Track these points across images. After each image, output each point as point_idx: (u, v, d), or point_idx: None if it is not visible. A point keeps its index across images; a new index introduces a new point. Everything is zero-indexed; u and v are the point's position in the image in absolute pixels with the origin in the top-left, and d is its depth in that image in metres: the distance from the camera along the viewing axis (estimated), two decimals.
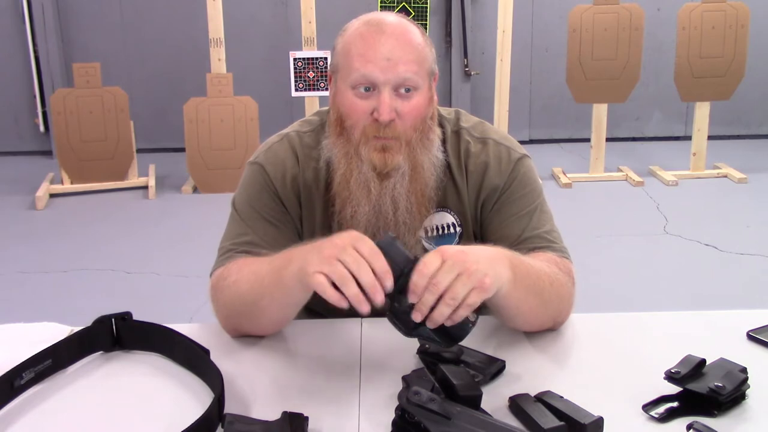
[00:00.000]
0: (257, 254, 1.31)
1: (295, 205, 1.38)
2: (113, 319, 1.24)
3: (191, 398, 1.11)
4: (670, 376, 1.06)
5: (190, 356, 1.17)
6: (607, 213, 4.31)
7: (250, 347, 1.26)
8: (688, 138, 5.05)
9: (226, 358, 1.20)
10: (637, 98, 5.32)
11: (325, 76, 4.61)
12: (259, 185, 1.38)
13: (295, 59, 4.64)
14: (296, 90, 4.68)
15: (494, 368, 1.14)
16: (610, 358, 1.21)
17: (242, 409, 1.06)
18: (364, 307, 1.03)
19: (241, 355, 1.23)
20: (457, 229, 1.40)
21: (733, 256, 3.61)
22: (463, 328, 1.06)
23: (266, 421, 1.00)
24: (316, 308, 1.47)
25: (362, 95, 1.26)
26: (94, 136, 4.66)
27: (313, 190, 1.38)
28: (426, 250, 1.37)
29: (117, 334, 1.24)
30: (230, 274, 1.28)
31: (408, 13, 4.66)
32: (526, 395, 1.05)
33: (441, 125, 1.40)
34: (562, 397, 1.05)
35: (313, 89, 4.67)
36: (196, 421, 0.98)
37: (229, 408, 1.05)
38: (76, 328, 1.25)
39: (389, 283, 1.03)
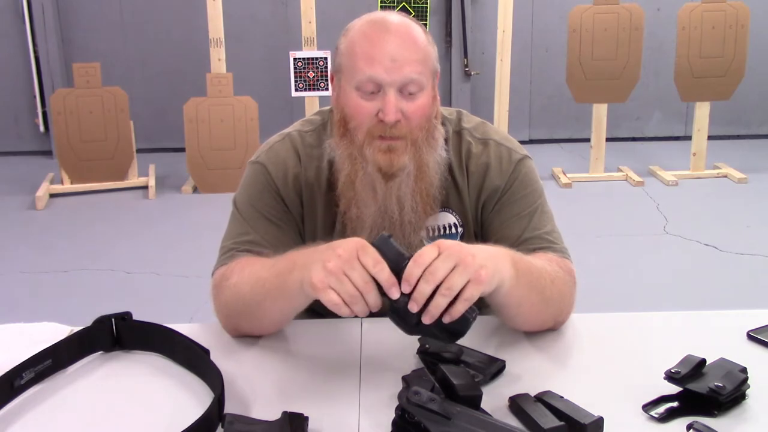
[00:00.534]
0: (259, 253, 1.31)
1: (297, 205, 1.38)
2: (113, 319, 1.24)
3: (191, 398, 1.11)
4: (670, 376, 1.06)
5: (190, 356, 1.17)
6: (607, 213, 4.31)
7: (250, 347, 1.26)
8: (688, 138, 5.05)
9: (226, 358, 1.20)
10: (637, 98, 5.32)
11: (325, 76, 4.62)
12: (261, 184, 1.38)
13: (295, 59, 4.64)
14: (296, 90, 4.68)
15: (494, 368, 1.14)
16: (610, 358, 1.21)
17: (242, 409, 1.06)
18: (364, 314, 1.06)
19: (241, 355, 1.23)
20: (459, 229, 1.40)
21: (733, 256, 3.61)
22: (463, 323, 1.05)
23: (266, 421, 1.00)
24: (317, 308, 1.47)
25: (367, 96, 1.26)
26: (94, 136, 4.66)
27: (315, 189, 1.38)
28: None
29: (117, 334, 1.24)
30: (232, 275, 1.28)
31: (408, 13, 4.65)
32: (526, 395, 1.05)
33: (442, 125, 1.40)
34: (562, 397, 1.05)
35: (313, 89, 4.67)
36: (196, 421, 0.98)
37: (229, 408, 1.05)
38: (76, 328, 1.25)
39: (395, 293, 1.03)
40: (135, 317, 1.25)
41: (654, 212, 4.28)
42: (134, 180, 4.82)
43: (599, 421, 0.99)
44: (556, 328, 1.29)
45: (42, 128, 5.58)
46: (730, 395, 1.04)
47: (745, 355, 1.15)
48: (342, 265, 1.04)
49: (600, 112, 4.81)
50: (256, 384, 1.14)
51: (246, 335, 1.29)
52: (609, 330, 1.31)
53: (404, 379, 1.11)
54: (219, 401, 1.03)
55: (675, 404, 1.05)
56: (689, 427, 0.98)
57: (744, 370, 1.08)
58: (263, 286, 1.19)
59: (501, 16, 4.66)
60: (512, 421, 1.02)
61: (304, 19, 4.65)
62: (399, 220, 1.32)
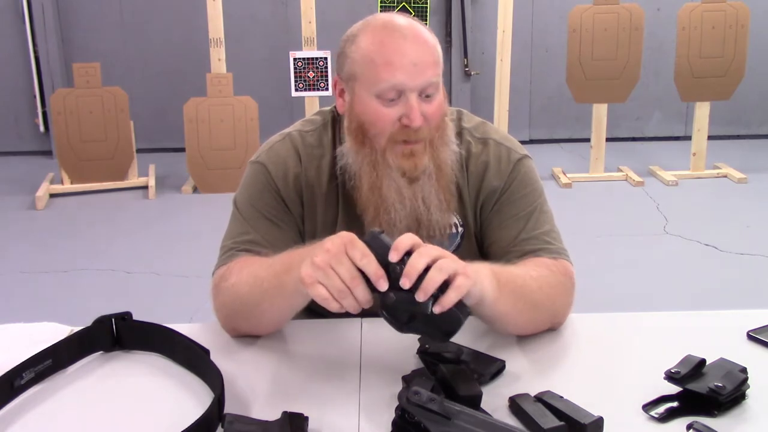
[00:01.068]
0: (258, 253, 1.31)
1: (297, 205, 1.38)
2: (113, 319, 1.24)
3: (191, 398, 1.11)
4: (670, 376, 1.06)
5: (190, 356, 1.18)
6: (607, 213, 4.31)
7: (250, 347, 1.26)
8: (688, 138, 5.05)
9: (226, 358, 1.20)
10: (637, 98, 5.32)
11: (325, 76, 4.62)
12: (261, 184, 1.38)
13: (295, 59, 4.64)
14: (296, 90, 4.68)
15: (494, 368, 1.14)
16: (610, 358, 1.21)
17: (242, 409, 1.06)
18: (356, 311, 1.05)
19: (241, 355, 1.23)
20: (459, 229, 1.40)
21: (733, 256, 3.61)
22: (455, 320, 1.04)
23: (266, 421, 1.00)
24: (317, 308, 1.46)
25: (388, 103, 1.26)
26: (94, 136, 4.65)
27: (315, 189, 1.38)
28: None
29: (117, 334, 1.24)
30: (230, 275, 1.28)
31: (408, 13, 4.66)
32: (526, 395, 1.05)
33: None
34: (562, 397, 1.05)
35: (313, 89, 4.67)
36: (196, 421, 0.98)
37: (229, 408, 1.05)
38: (76, 328, 1.25)
39: (383, 285, 1.03)
40: (135, 317, 1.25)
41: (654, 212, 4.28)
42: (134, 180, 4.82)
43: (599, 421, 1.00)
44: (555, 328, 1.29)
45: (42, 128, 5.58)
46: (730, 395, 1.04)
47: (745, 355, 1.15)
48: (329, 260, 1.04)
49: (600, 112, 4.81)
50: (256, 384, 1.14)
51: (245, 335, 1.29)
52: (609, 330, 1.31)
53: (404, 379, 1.11)
54: (219, 401, 1.03)
55: (675, 404, 1.05)
56: (689, 427, 0.98)
57: (744, 370, 1.08)
58: (261, 286, 1.19)
59: (501, 16, 4.66)
60: (512, 421, 1.02)
61: (304, 19, 4.65)
62: (427, 220, 1.32)
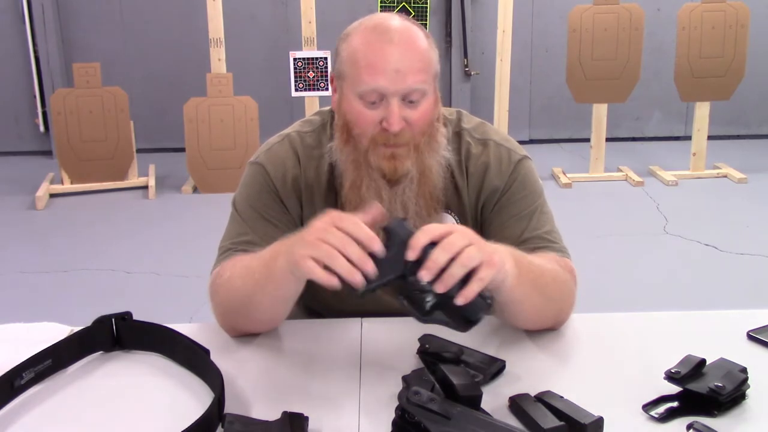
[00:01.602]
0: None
1: (296, 205, 1.38)
2: (113, 319, 1.24)
3: (191, 398, 1.11)
4: (670, 376, 1.06)
5: (190, 356, 1.18)
6: (607, 213, 4.31)
7: (250, 347, 1.26)
8: (688, 138, 5.05)
9: (226, 358, 1.20)
10: (637, 98, 5.31)
11: (325, 76, 4.62)
12: (260, 185, 1.38)
13: (295, 59, 4.64)
14: (296, 90, 4.68)
15: (494, 368, 1.14)
16: (610, 358, 1.21)
17: (242, 409, 1.06)
18: (357, 278, 1.02)
19: (241, 355, 1.23)
20: None
21: (733, 256, 3.61)
22: (477, 309, 1.03)
23: (266, 421, 1.00)
24: (316, 308, 1.47)
25: (370, 105, 1.26)
26: (94, 136, 4.66)
27: (314, 189, 1.38)
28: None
29: (117, 334, 1.24)
30: (225, 272, 1.29)
31: (408, 13, 4.66)
32: (526, 395, 1.05)
33: (443, 125, 1.40)
34: (562, 397, 1.05)
35: (313, 89, 4.67)
36: (196, 421, 0.98)
37: (229, 408, 1.05)
38: (76, 328, 1.25)
39: (377, 246, 1.03)
40: (135, 317, 1.25)
41: (654, 212, 4.28)
42: (134, 180, 4.82)
43: (599, 421, 1.00)
44: (557, 327, 1.29)
45: (42, 128, 5.58)
46: (730, 395, 1.04)
47: (745, 355, 1.15)
48: (320, 234, 1.04)
49: (600, 112, 4.81)
50: (256, 384, 1.14)
51: (244, 333, 1.29)
52: (609, 330, 1.31)
53: (404, 379, 1.11)
54: (219, 401, 1.03)
55: (675, 404, 1.05)
56: (689, 427, 0.98)
57: (744, 370, 1.08)
58: (253, 277, 1.20)
59: (501, 16, 4.66)
60: (512, 421, 1.02)
61: (304, 19, 4.65)
62: None
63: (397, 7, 4.71)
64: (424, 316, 1.04)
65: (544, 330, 1.29)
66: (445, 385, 1.01)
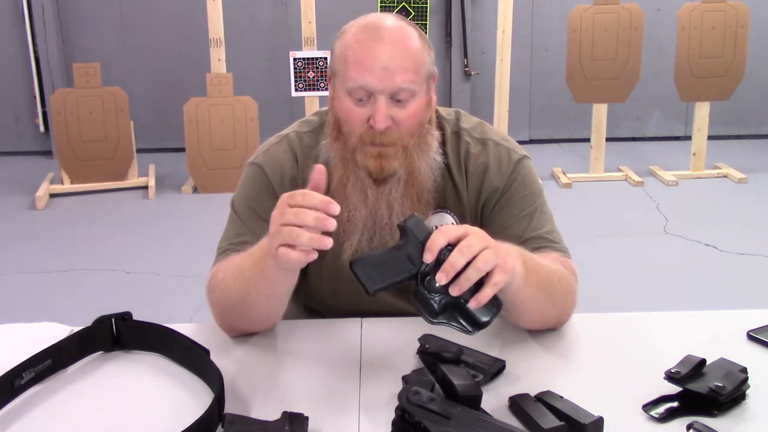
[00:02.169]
0: None
1: None
2: (113, 319, 1.24)
3: (191, 398, 1.11)
4: (670, 376, 1.06)
5: (190, 356, 1.18)
6: (607, 213, 4.31)
7: (250, 347, 1.26)
8: (688, 138, 5.05)
9: (226, 358, 1.20)
10: (637, 98, 5.32)
11: (326, 76, 4.62)
12: (258, 186, 1.38)
13: (295, 59, 4.64)
14: (296, 90, 4.68)
15: (494, 368, 1.14)
16: (610, 358, 1.21)
17: (242, 409, 1.06)
18: (326, 242, 1.03)
19: (241, 355, 1.23)
20: None
21: (733, 256, 3.61)
22: (487, 312, 1.04)
23: (266, 421, 1.00)
24: (316, 308, 1.47)
25: (358, 102, 1.26)
26: (94, 136, 4.65)
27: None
28: None
29: (117, 334, 1.24)
30: (219, 273, 1.29)
31: (408, 13, 4.66)
32: (526, 395, 1.05)
33: (440, 126, 1.39)
34: (562, 397, 1.05)
35: (313, 89, 4.67)
36: (196, 421, 0.98)
37: (229, 408, 1.05)
38: (76, 328, 1.25)
39: (333, 207, 1.03)
40: (135, 317, 1.25)
41: (654, 212, 4.27)
42: (134, 180, 4.82)
43: (599, 421, 1.00)
44: (558, 327, 1.29)
45: (42, 128, 5.58)
46: (730, 395, 1.04)
47: (745, 355, 1.15)
48: (277, 221, 1.05)
49: (600, 112, 4.81)
50: (256, 384, 1.14)
51: (243, 333, 1.29)
52: (609, 330, 1.31)
53: (404, 379, 1.11)
54: (219, 401, 1.03)
55: (675, 404, 1.05)
56: (689, 427, 0.98)
57: (744, 370, 1.08)
58: (245, 278, 1.20)
59: (501, 16, 4.66)
60: (512, 421, 1.02)
61: (304, 19, 4.65)
62: (389, 224, 1.32)
63: (397, 7, 4.70)
64: (434, 317, 1.04)
65: (545, 330, 1.29)
66: (445, 385, 1.01)
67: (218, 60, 4.69)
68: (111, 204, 4.58)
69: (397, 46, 1.24)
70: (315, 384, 1.14)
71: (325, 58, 4.63)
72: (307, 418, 1.00)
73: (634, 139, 5.77)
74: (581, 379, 1.15)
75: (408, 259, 1.05)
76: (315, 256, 1.05)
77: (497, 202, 1.38)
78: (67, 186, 4.72)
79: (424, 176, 1.32)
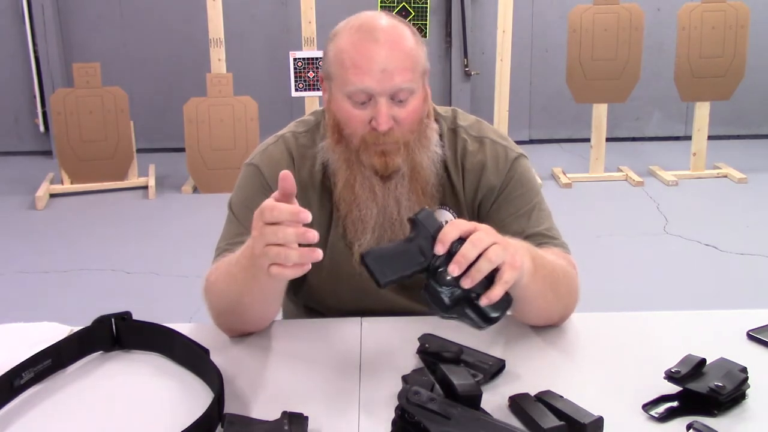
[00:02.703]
0: None
1: None
2: (113, 319, 1.24)
3: (191, 398, 1.11)
4: (670, 376, 1.06)
5: (190, 356, 1.18)
6: (607, 213, 4.31)
7: (250, 347, 1.26)
8: (688, 138, 5.05)
9: (226, 358, 1.20)
10: (637, 98, 5.31)
11: None
12: (255, 186, 1.39)
13: (295, 59, 4.64)
14: (296, 90, 4.68)
15: (494, 368, 1.14)
16: (610, 358, 1.21)
17: (242, 409, 1.06)
18: (317, 255, 1.04)
19: (241, 355, 1.23)
20: None
21: (733, 256, 3.61)
22: (498, 306, 1.04)
23: (266, 421, 1.00)
24: (316, 308, 1.47)
25: (359, 105, 1.27)
26: (94, 136, 4.65)
27: (309, 189, 1.38)
28: None
29: (117, 334, 1.24)
30: (212, 275, 1.29)
31: (408, 13, 4.66)
32: (526, 395, 1.05)
33: (437, 123, 1.40)
34: (562, 396, 1.05)
35: (313, 89, 4.67)
36: (196, 421, 0.98)
37: (229, 408, 1.05)
38: (76, 328, 1.25)
39: (304, 215, 1.03)
40: (135, 317, 1.25)
41: (654, 212, 4.27)
42: (134, 180, 4.82)
43: (599, 421, 1.00)
44: (560, 323, 1.30)
45: (42, 128, 5.58)
46: (730, 395, 1.04)
47: (745, 354, 1.15)
48: (258, 242, 1.05)
49: (600, 112, 4.81)
50: (256, 384, 1.14)
51: (240, 333, 1.29)
52: (609, 330, 1.31)
53: (404, 378, 1.11)
54: (218, 401, 1.03)
55: (675, 404, 1.05)
56: (689, 426, 0.98)
57: (744, 369, 1.08)
58: (236, 281, 1.20)
59: (501, 16, 4.66)
60: (512, 421, 1.02)
61: (304, 19, 4.65)
62: (398, 218, 1.33)
63: (397, 7, 4.70)
64: (446, 311, 1.04)
65: (545, 328, 1.29)
66: (445, 385, 1.01)
67: (218, 60, 4.69)
68: (111, 204, 4.58)
69: (393, 47, 1.25)
70: (315, 384, 1.14)
71: None
72: (307, 418, 1.00)
73: (634, 139, 5.77)
74: (581, 379, 1.15)
75: (419, 251, 1.05)
76: (309, 267, 1.05)
77: (495, 201, 1.38)
78: (67, 186, 4.72)
79: (426, 170, 1.33)
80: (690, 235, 3.87)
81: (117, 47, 5.52)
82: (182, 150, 4.81)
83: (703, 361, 1.08)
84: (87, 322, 1.23)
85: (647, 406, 1.05)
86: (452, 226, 1.05)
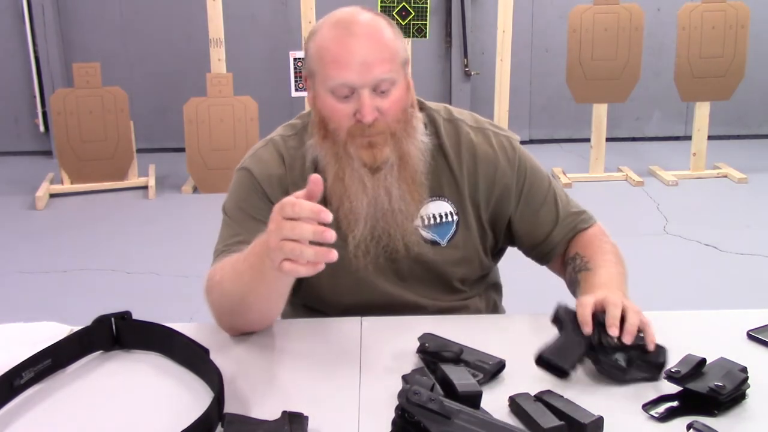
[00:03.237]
0: None
1: None
2: (113, 319, 1.24)
3: (191, 398, 1.11)
4: (670, 376, 1.06)
5: (190, 356, 1.18)
6: (607, 213, 4.26)
7: (250, 347, 1.26)
8: (688, 138, 5.05)
9: (226, 358, 1.20)
10: (637, 98, 5.31)
11: None
12: (247, 188, 1.41)
13: (295, 59, 4.64)
14: (296, 90, 4.68)
15: (494, 368, 1.14)
16: None
17: (242, 409, 1.06)
18: (332, 255, 1.04)
19: (241, 355, 1.23)
20: (454, 217, 1.41)
21: (733, 256, 3.61)
22: (662, 353, 1.14)
23: (266, 421, 1.00)
24: (316, 306, 1.47)
25: (342, 99, 1.28)
26: (94, 136, 4.65)
27: (300, 187, 1.38)
28: (424, 239, 1.40)
29: (117, 333, 1.25)
30: (215, 275, 1.30)
31: (408, 13, 4.66)
32: (526, 395, 1.05)
33: (430, 117, 1.42)
34: (562, 396, 1.05)
35: None
36: (195, 420, 0.98)
37: (229, 408, 1.05)
38: (76, 328, 1.25)
39: (325, 215, 1.03)
40: (135, 317, 1.25)
41: (654, 212, 4.27)
42: (134, 180, 4.82)
43: (599, 421, 1.00)
44: None
45: (42, 128, 5.58)
46: (730, 395, 1.04)
47: (745, 354, 1.15)
48: (275, 236, 1.05)
49: (600, 112, 4.81)
50: (256, 384, 1.14)
51: (242, 332, 1.29)
52: None
53: (404, 378, 1.11)
54: (218, 400, 1.03)
55: (675, 404, 1.06)
56: (689, 426, 0.98)
57: (744, 369, 1.08)
58: (242, 280, 1.20)
59: (501, 16, 4.66)
60: (512, 421, 1.02)
61: (304, 19, 4.65)
62: (390, 209, 1.35)
63: (396, 7, 4.70)
64: (626, 375, 1.11)
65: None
66: (445, 384, 1.01)
67: (218, 60, 4.69)
68: (111, 204, 4.57)
69: (371, 39, 1.27)
70: (315, 383, 1.14)
71: None
72: (306, 418, 1.00)
73: (634, 139, 5.77)
74: (581, 379, 1.14)
75: (576, 340, 1.15)
76: (323, 267, 1.06)
77: (520, 197, 1.43)
78: (67, 186, 4.72)
79: (414, 159, 1.35)
80: (690, 235, 3.87)
81: (117, 47, 5.51)
82: (182, 150, 4.81)
83: (703, 360, 1.08)
84: (87, 322, 1.24)
85: (647, 406, 1.05)
86: (582, 306, 1.16)
